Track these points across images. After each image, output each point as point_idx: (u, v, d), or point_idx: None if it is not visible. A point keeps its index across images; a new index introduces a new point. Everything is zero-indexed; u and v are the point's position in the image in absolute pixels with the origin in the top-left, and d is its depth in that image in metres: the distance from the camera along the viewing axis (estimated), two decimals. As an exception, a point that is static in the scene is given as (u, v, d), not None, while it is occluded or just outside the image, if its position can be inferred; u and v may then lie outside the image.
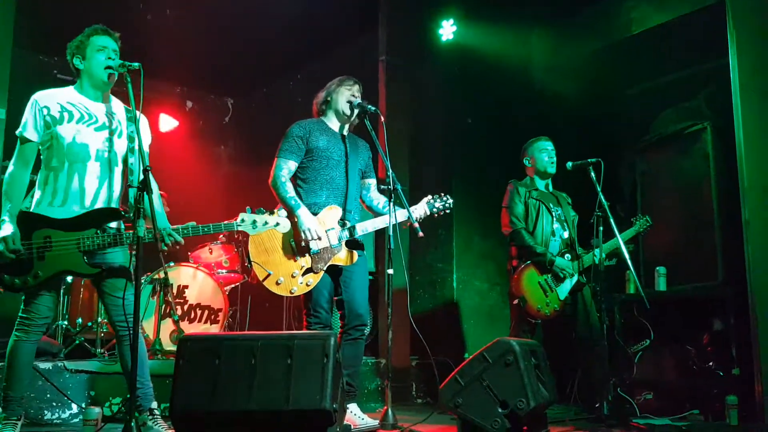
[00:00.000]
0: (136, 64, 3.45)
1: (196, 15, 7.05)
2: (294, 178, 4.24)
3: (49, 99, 3.55)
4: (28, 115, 3.52)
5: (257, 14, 7.02)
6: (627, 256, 4.75)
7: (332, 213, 4.14)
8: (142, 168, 3.26)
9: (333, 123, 4.35)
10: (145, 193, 3.20)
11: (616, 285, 5.70)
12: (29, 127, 3.51)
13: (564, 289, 4.92)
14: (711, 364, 5.01)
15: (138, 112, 3.47)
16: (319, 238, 4.03)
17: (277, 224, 3.60)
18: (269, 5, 6.83)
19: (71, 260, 3.42)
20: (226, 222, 3.57)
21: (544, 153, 5.12)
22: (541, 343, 4.51)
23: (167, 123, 8.46)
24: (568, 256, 4.99)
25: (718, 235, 5.28)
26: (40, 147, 3.55)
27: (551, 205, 5.07)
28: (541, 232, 4.97)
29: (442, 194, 4.41)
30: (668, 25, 6.14)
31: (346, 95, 4.29)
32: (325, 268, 4.09)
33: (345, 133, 4.37)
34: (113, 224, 3.56)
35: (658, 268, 5.49)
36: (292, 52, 7.86)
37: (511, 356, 3.56)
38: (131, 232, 3.26)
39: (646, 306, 4.83)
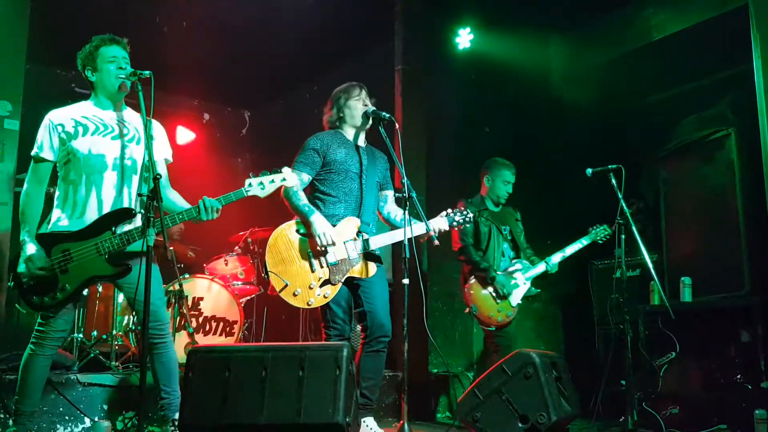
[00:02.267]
0: (147, 73, 3.43)
1: (212, 27, 7.06)
2: (313, 191, 4.22)
3: (62, 116, 3.55)
4: (43, 135, 3.52)
5: (273, 26, 7.02)
6: (651, 265, 4.66)
7: (350, 224, 4.09)
8: (152, 176, 3.21)
9: (349, 134, 4.32)
10: (154, 201, 3.15)
11: (640, 296, 5.58)
12: (45, 147, 3.51)
13: (516, 296, 5.14)
14: (739, 376, 4.87)
15: (152, 120, 3.45)
16: (334, 244, 3.98)
17: (284, 179, 3.54)
18: (285, 17, 6.82)
19: (94, 265, 3.40)
20: (234, 191, 3.51)
21: (508, 186, 5.37)
22: (562, 355, 4.42)
23: (184, 135, 8.48)
24: (519, 265, 5.24)
25: (743, 244, 5.14)
26: (57, 164, 3.55)
27: (501, 226, 5.34)
28: (492, 251, 5.24)
29: (463, 209, 4.33)
30: (689, 31, 6.03)
31: (359, 107, 4.26)
32: (342, 280, 4.03)
33: (362, 144, 4.34)
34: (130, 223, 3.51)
35: (683, 278, 5.37)
36: (308, 63, 7.86)
37: (531, 368, 3.48)
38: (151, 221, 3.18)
39: (672, 317, 4.72)
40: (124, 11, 6.63)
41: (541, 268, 5.21)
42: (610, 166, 4.77)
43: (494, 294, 5.10)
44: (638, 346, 5.23)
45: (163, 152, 3.74)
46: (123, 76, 3.52)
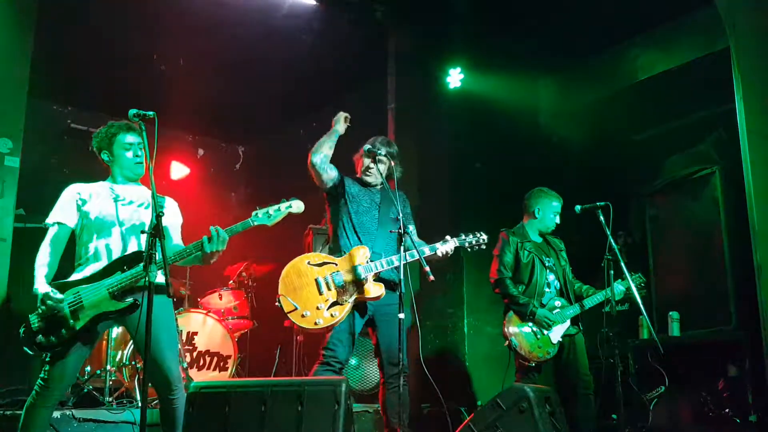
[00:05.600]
0: (151, 113, 3.50)
1: (208, 65, 7.19)
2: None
3: (81, 187, 3.71)
4: (62, 202, 3.65)
5: (268, 64, 7.15)
6: (639, 300, 4.72)
7: (361, 252, 4.22)
8: (155, 213, 3.28)
9: (368, 179, 4.49)
10: (157, 238, 3.21)
11: (629, 330, 5.63)
12: (63, 213, 3.63)
13: (556, 333, 4.93)
14: (727, 410, 4.93)
15: (165, 197, 3.57)
16: (347, 120, 4.36)
17: (290, 206, 3.61)
18: (280, 55, 6.96)
19: (102, 303, 3.44)
20: (242, 221, 3.57)
21: (556, 216, 5.18)
22: (554, 390, 4.46)
23: (179, 170, 8.54)
24: (558, 302, 5.01)
25: (730, 280, 5.24)
26: (75, 232, 3.65)
27: (544, 257, 5.13)
28: (535, 284, 5.02)
29: (476, 231, 4.45)
30: (674, 71, 6.20)
31: (362, 164, 4.48)
32: (350, 300, 4.11)
33: (378, 185, 4.50)
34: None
35: (671, 313, 5.45)
36: (302, 100, 7.99)
37: (526, 403, 3.52)
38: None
39: (660, 352, 4.77)
40: (122, 49, 6.74)
41: (578, 309, 4.99)
42: (598, 204, 4.84)
43: (534, 329, 4.92)
44: (628, 381, 5.28)
45: (175, 220, 3.87)
46: (141, 163, 3.71)
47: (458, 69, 6.80)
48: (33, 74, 5.10)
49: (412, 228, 4.53)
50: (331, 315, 4.06)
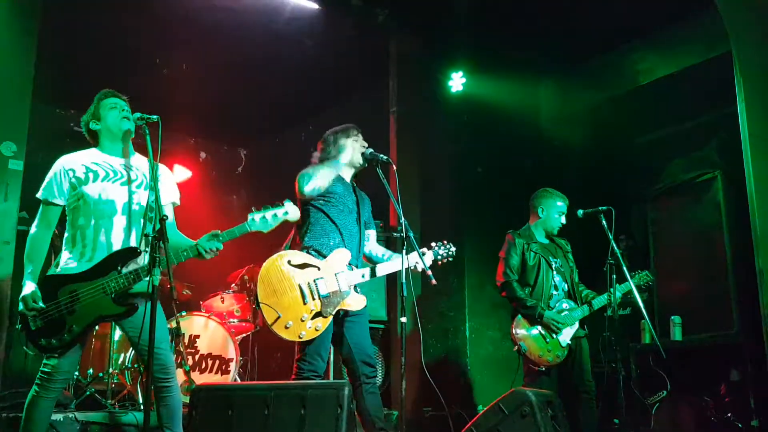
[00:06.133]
0: (154, 117, 3.50)
1: (210, 69, 7.21)
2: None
3: (73, 162, 3.61)
4: (52, 179, 3.58)
5: (270, 67, 7.17)
6: (641, 304, 4.72)
7: (341, 256, 4.10)
8: (158, 218, 3.28)
9: (344, 173, 4.36)
10: (161, 242, 3.22)
11: (631, 335, 5.63)
12: (55, 191, 3.56)
13: (565, 336, 4.89)
14: (729, 415, 4.92)
15: (158, 163, 3.52)
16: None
17: (287, 213, 3.57)
18: (282, 58, 6.98)
19: (101, 306, 3.42)
20: (238, 225, 3.53)
21: (561, 216, 5.16)
22: (556, 394, 4.47)
23: (181, 173, 8.54)
24: (566, 305, 4.98)
25: (732, 284, 5.24)
26: (66, 208, 3.59)
27: (551, 258, 5.10)
28: (542, 285, 4.99)
29: (446, 242, 4.37)
30: (676, 75, 6.22)
31: (357, 147, 4.33)
32: (333, 313, 4.01)
33: (353, 183, 4.41)
34: (135, 262, 3.53)
35: (672, 317, 5.45)
36: (304, 103, 8.00)
37: (528, 407, 3.52)
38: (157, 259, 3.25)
39: (662, 356, 4.76)
40: (124, 53, 6.77)
41: (586, 310, 4.97)
42: (600, 208, 4.86)
43: (543, 332, 4.87)
44: (630, 385, 5.28)
45: (170, 196, 3.80)
46: (130, 119, 3.62)
47: (460, 73, 6.79)
48: (36, 77, 5.10)
49: (372, 232, 4.46)
50: (315, 328, 3.93)
